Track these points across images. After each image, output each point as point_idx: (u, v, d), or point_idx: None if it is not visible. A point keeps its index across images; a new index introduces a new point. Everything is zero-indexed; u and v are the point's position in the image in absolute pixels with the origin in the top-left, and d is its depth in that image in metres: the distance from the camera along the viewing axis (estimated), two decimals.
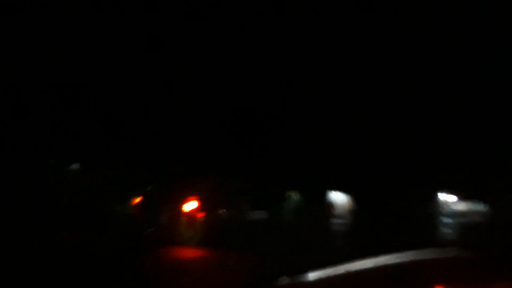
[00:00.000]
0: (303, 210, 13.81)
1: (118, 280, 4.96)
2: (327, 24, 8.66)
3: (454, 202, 15.45)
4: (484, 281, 1.27)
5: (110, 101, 9.74)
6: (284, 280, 1.49)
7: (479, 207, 13.94)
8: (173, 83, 9.68)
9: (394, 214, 11.13)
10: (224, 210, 13.00)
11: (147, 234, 9.05)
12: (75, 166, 11.17)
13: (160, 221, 9.29)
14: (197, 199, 9.62)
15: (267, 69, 9.63)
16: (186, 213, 9.37)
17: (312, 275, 1.47)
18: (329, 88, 10.40)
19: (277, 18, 8.63)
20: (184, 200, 9.53)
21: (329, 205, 14.83)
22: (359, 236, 9.60)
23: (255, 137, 11.59)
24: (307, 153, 12.25)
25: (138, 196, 10.26)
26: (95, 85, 9.51)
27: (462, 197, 14.95)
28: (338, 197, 14.97)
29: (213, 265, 6.35)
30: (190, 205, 9.54)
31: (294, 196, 15.07)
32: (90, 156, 10.99)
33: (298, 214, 13.53)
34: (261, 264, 5.39)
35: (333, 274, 1.46)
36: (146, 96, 9.79)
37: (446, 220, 13.85)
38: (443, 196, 15.62)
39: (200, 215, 9.48)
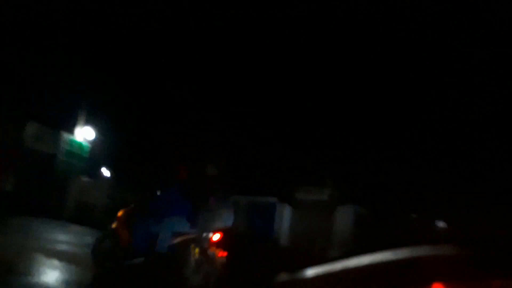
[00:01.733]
0: None
1: None
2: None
3: None
4: (482, 278, 1.25)
5: None
6: (284, 276, 1.54)
7: None
8: None
9: None
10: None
11: (129, 265, 6.19)
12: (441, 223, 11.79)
13: (156, 249, 5.99)
14: (223, 230, 5.92)
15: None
16: (202, 245, 5.79)
17: (310, 272, 1.49)
18: None
19: None
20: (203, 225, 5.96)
21: None
22: None
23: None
24: None
25: (124, 207, 6.72)
26: None
27: None
28: None
29: None
30: (213, 236, 5.84)
31: None
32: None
33: None
34: None
35: (331, 271, 1.47)
36: None
37: None
38: None
39: (222, 254, 5.80)
